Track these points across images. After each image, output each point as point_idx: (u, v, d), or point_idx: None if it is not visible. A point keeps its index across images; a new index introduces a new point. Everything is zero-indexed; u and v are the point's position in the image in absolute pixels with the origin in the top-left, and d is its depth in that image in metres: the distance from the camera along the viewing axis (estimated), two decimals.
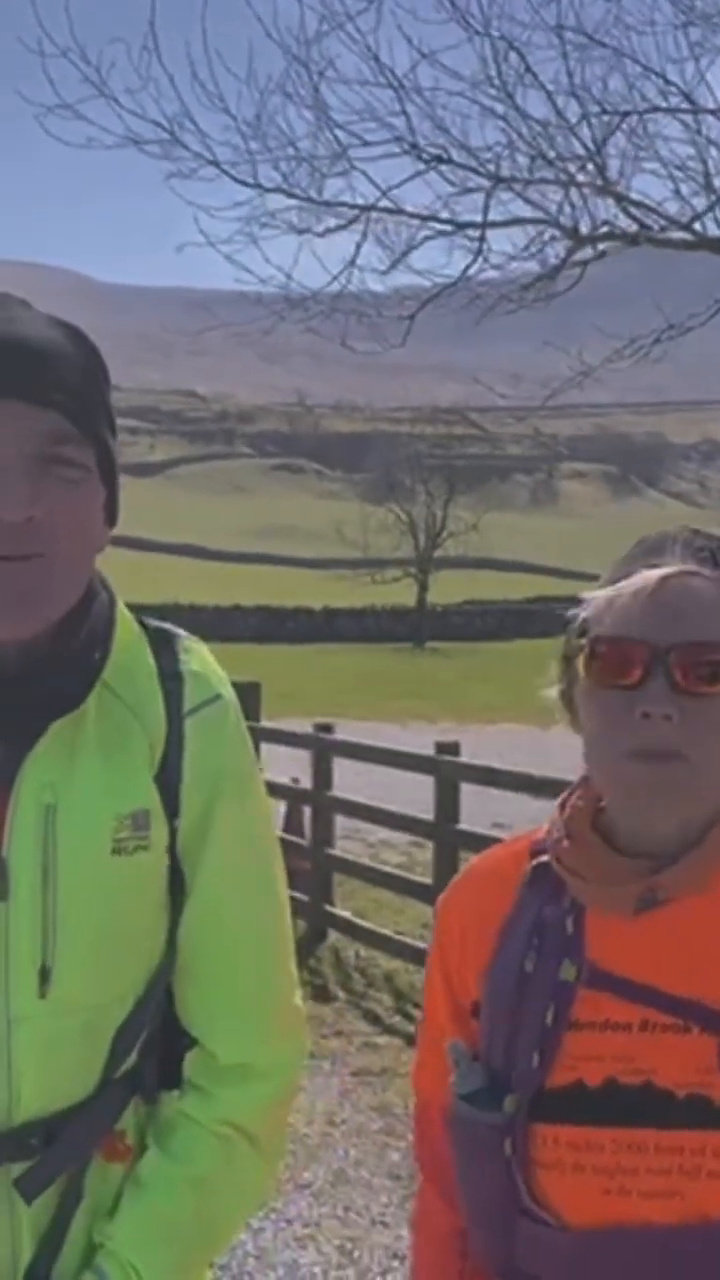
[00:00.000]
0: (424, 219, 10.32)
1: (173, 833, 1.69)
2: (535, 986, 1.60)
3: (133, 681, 1.70)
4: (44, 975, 1.60)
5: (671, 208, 10.15)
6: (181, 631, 1.79)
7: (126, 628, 1.73)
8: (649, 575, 1.55)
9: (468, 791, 8.85)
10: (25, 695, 1.61)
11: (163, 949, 1.72)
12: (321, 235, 10.47)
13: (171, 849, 1.70)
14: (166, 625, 1.79)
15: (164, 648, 1.75)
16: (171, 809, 1.69)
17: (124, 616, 1.74)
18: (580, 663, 1.58)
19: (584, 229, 10.05)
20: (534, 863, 1.67)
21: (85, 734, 1.65)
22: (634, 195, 10.08)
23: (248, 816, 1.76)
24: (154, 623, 1.79)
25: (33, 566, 1.56)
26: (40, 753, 1.62)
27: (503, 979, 1.63)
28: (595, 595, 1.59)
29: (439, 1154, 1.71)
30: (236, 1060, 1.73)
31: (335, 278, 10.48)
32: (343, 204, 10.39)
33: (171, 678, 1.72)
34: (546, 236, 10.29)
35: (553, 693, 1.66)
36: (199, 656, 1.77)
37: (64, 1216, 1.64)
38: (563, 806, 1.67)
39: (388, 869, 10.79)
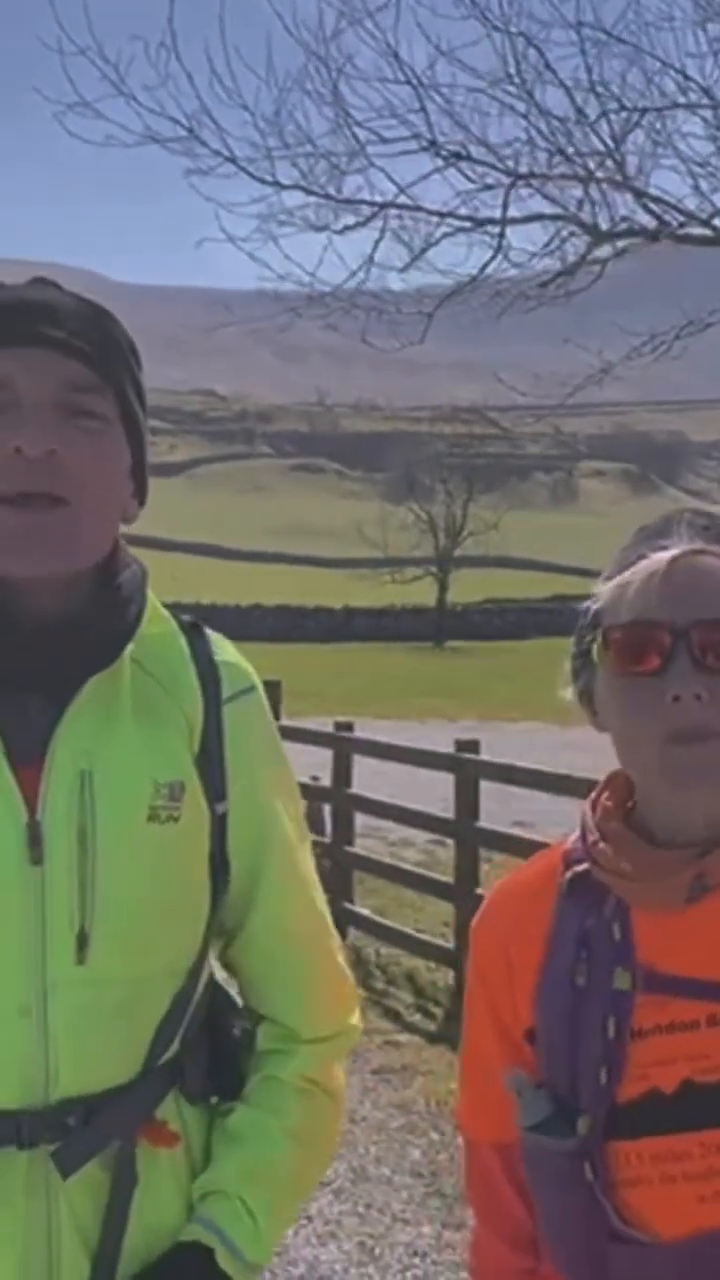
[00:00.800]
0: (443, 216, 10.32)
1: (219, 819, 1.71)
2: (591, 1000, 1.55)
3: (165, 664, 1.72)
4: (81, 941, 1.59)
5: (691, 203, 10.14)
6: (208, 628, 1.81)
7: (157, 613, 1.74)
8: (659, 558, 1.52)
9: (488, 789, 8.84)
10: (59, 648, 1.62)
11: (202, 936, 1.72)
12: (340, 232, 10.48)
13: (218, 835, 1.71)
14: (198, 620, 1.81)
15: (196, 637, 1.77)
16: (216, 792, 1.71)
17: (154, 601, 1.75)
18: (598, 655, 1.54)
19: (603, 225, 10.03)
20: (570, 873, 1.61)
21: (120, 703, 1.66)
22: (653, 191, 10.05)
23: (294, 806, 1.81)
24: (188, 617, 1.81)
25: (54, 513, 1.59)
26: (74, 714, 1.62)
27: (556, 998, 1.58)
28: (604, 587, 1.56)
29: (496, 1194, 1.68)
30: (315, 1034, 1.78)
31: (353, 274, 10.47)
32: (361, 201, 10.40)
33: (207, 664, 1.74)
34: (566, 233, 10.27)
35: (568, 693, 1.62)
36: (229, 649, 1.79)
37: (121, 1201, 1.63)
38: (593, 808, 1.62)
39: (408, 867, 10.78)
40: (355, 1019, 1.85)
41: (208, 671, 1.74)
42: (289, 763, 1.85)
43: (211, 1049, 1.75)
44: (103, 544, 1.67)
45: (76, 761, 1.62)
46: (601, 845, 1.57)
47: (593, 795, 1.64)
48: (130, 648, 1.69)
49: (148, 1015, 1.66)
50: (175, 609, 1.79)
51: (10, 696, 1.62)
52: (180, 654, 1.74)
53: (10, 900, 1.58)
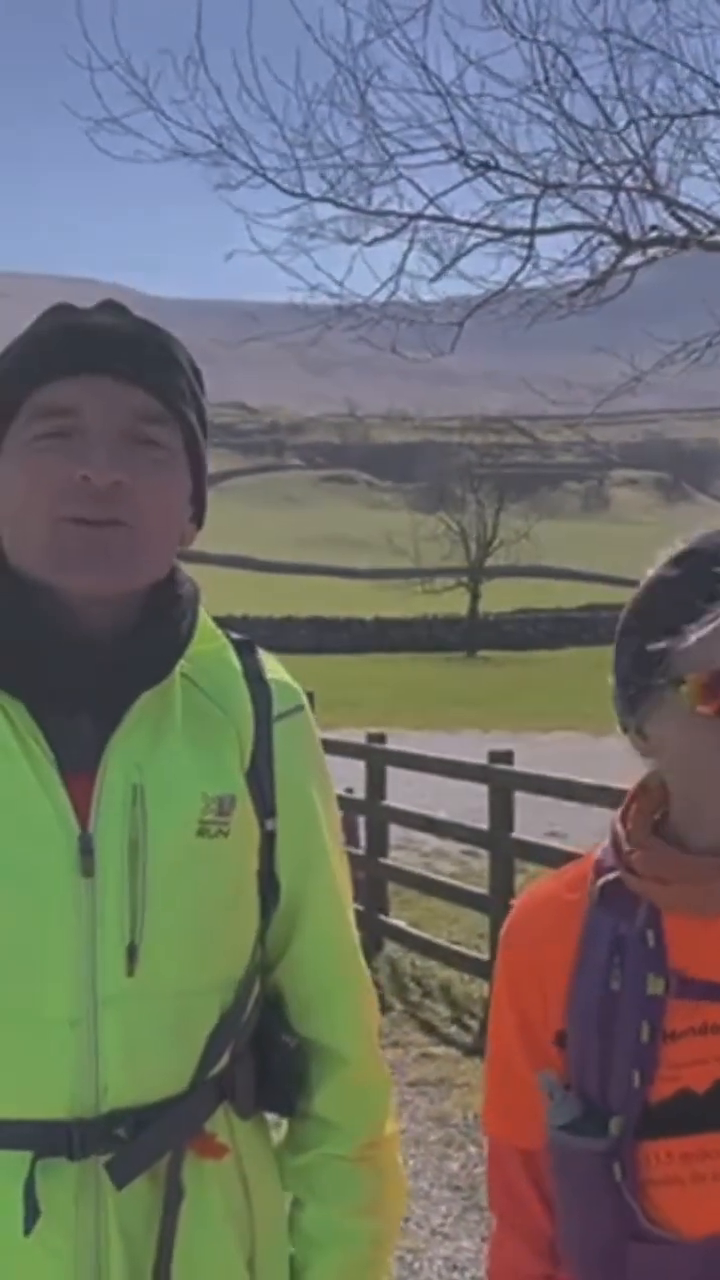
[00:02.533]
0: (472, 226, 10.28)
1: (268, 835, 1.73)
2: (624, 1004, 1.58)
3: (218, 680, 1.74)
4: (132, 953, 1.61)
5: None
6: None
7: (209, 630, 1.77)
8: None
9: (521, 800, 8.81)
10: (112, 664, 1.64)
11: (250, 950, 1.74)
12: (369, 244, 10.46)
13: (267, 852, 1.73)
14: (250, 639, 1.83)
15: (247, 654, 1.79)
16: (265, 809, 1.72)
17: (205, 619, 1.77)
18: (684, 695, 1.54)
19: (633, 234, 9.99)
20: (601, 881, 1.64)
21: (171, 718, 1.68)
22: (683, 199, 10.01)
23: (336, 825, 1.84)
24: (239, 635, 1.83)
25: (117, 533, 1.62)
26: (127, 729, 1.64)
27: (589, 1002, 1.60)
28: (688, 631, 1.55)
29: (519, 1199, 1.70)
30: (358, 1054, 1.80)
31: (383, 285, 10.47)
32: (390, 212, 10.36)
33: (258, 681, 1.76)
34: (595, 242, 10.24)
35: (620, 721, 1.64)
36: (279, 667, 1.81)
37: (171, 1213, 1.64)
38: (623, 819, 1.65)
39: (442, 878, 10.76)
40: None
41: (259, 689, 1.76)
42: (332, 782, 1.87)
43: (261, 1063, 1.76)
44: (160, 566, 1.70)
45: (128, 775, 1.63)
46: (638, 854, 1.60)
47: (622, 806, 1.67)
48: (182, 664, 1.71)
49: (198, 1028, 1.66)
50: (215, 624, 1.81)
51: (63, 712, 1.64)
52: (233, 671, 1.76)
53: (62, 912, 1.60)
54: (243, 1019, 1.72)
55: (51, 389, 1.64)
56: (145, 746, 1.65)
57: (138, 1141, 1.61)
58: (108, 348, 1.65)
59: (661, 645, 1.57)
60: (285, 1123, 1.83)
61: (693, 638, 1.55)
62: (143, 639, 1.67)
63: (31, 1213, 1.57)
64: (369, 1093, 1.82)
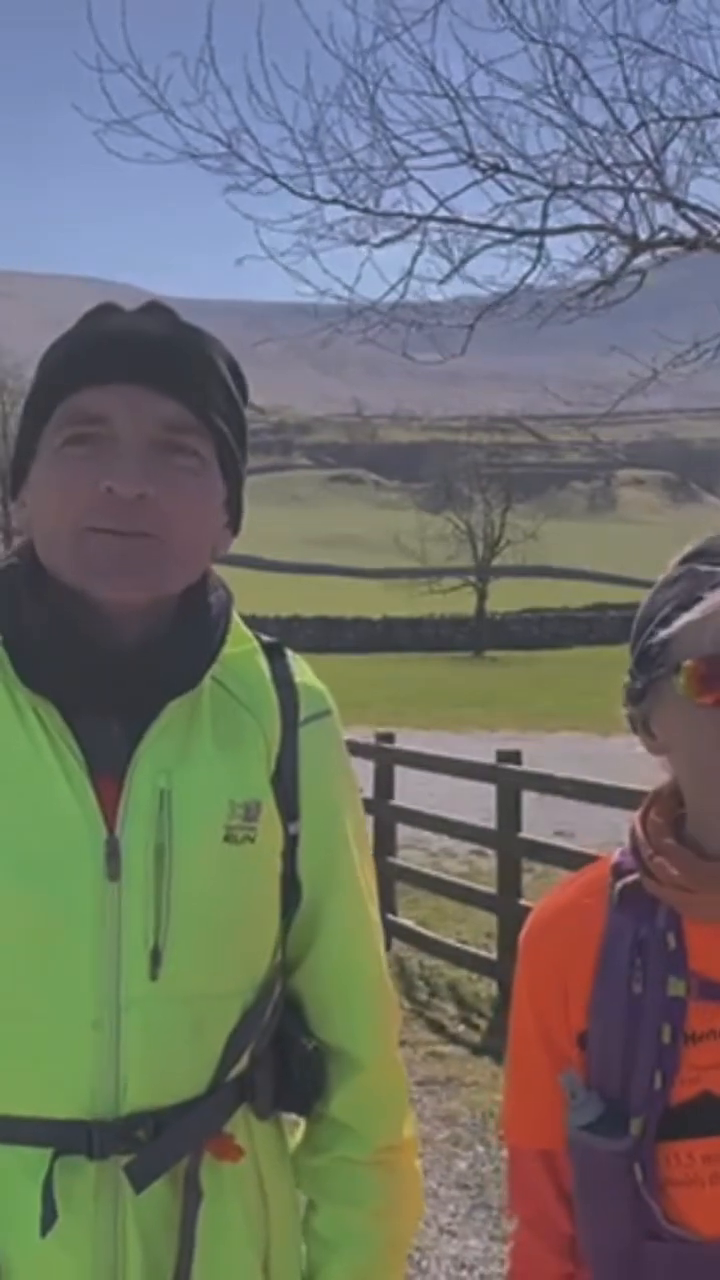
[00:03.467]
0: (482, 228, 10.30)
1: (291, 839, 1.73)
2: (646, 1006, 1.59)
3: (246, 683, 1.74)
4: (155, 958, 1.62)
5: None
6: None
7: (239, 632, 1.77)
8: None
9: (529, 799, 8.82)
10: (143, 672, 1.65)
11: (272, 953, 1.74)
12: (379, 246, 10.47)
13: (290, 855, 1.73)
14: (280, 642, 1.83)
15: (277, 657, 1.79)
16: (289, 813, 1.73)
17: (236, 621, 1.77)
18: (676, 685, 1.57)
19: (642, 235, 10.00)
20: (621, 884, 1.66)
21: (200, 723, 1.69)
22: (692, 200, 10.02)
23: (361, 830, 1.83)
24: (270, 639, 1.82)
25: (142, 544, 1.61)
26: (155, 735, 1.65)
27: (611, 1004, 1.62)
28: (682, 619, 1.58)
29: (540, 1200, 1.71)
30: (382, 1080, 1.80)
31: (393, 288, 10.48)
32: (400, 214, 10.37)
33: (285, 685, 1.76)
34: (605, 243, 10.25)
35: (625, 713, 1.67)
36: (307, 671, 1.81)
37: (190, 1215, 1.65)
38: (643, 823, 1.66)
39: (450, 878, 10.78)
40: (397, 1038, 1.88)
41: (287, 693, 1.76)
42: (357, 786, 1.87)
43: (280, 1065, 1.76)
44: (190, 574, 1.69)
45: (156, 780, 1.64)
46: (658, 859, 1.61)
47: (640, 811, 1.68)
48: (213, 668, 1.72)
49: (219, 1031, 1.67)
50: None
51: (94, 716, 1.65)
52: (261, 674, 1.76)
53: (87, 914, 1.61)
54: (263, 1021, 1.72)
55: (82, 397, 1.64)
56: (174, 751, 1.66)
57: (157, 1144, 1.62)
58: (140, 356, 1.64)
59: (658, 636, 1.60)
60: (302, 1123, 1.84)
61: (681, 620, 1.58)
62: (174, 647, 1.68)
63: (50, 1210, 1.58)
64: (385, 1098, 1.82)
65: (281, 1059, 1.76)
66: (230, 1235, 1.69)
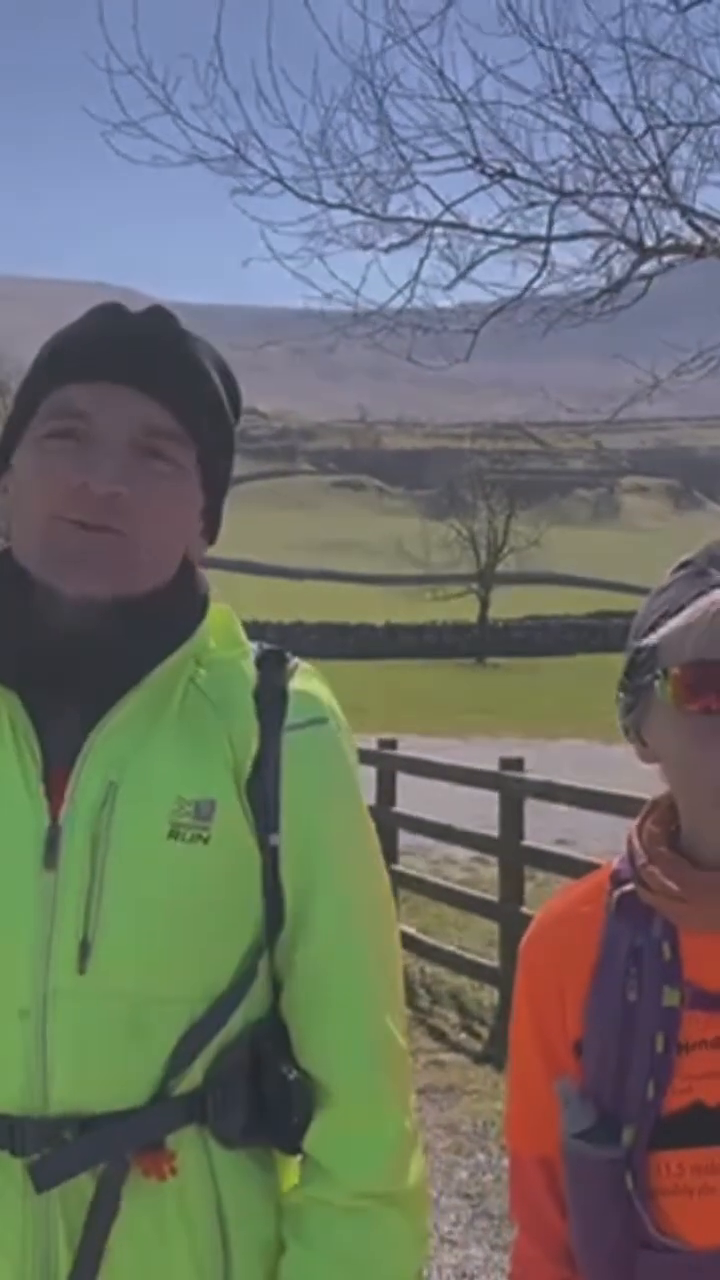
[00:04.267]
0: (488, 233, 10.29)
1: (272, 850, 1.68)
2: (640, 1015, 1.59)
3: (225, 689, 1.71)
4: (84, 949, 1.59)
5: None
6: (298, 659, 1.79)
7: (233, 637, 1.75)
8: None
9: (532, 807, 8.81)
10: (97, 659, 1.64)
11: (236, 965, 1.67)
12: (386, 251, 10.46)
13: (271, 868, 1.68)
14: (284, 650, 1.79)
15: (274, 666, 1.75)
16: (267, 824, 1.67)
17: (227, 628, 1.76)
18: (661, 692, 1.58)
19: (649, 242, 9.99)
20: (619, 892, 1.66)
21: (165, 720, 1.67)
22: (699, 207, 10.01)
23: (364, 850, 1.76)
24: (271, 646, 1.79)
25: (110, 541, 1.62)
26: (112, 728, 1.64)
27: (606, 1012, 1.62)
28: (666, 625, 1.59)
29: (538, 1207, 1.71)
30: (358, 1116, 1.68)
31: (399, 292, 10.47)
32: (407, 219, 10.37)
33: (272, 692, 1.72)
34: (611, 250, 10.24)
35: (620, 723, 1.67)
36: (310, 679, 1.76)
37: (98, 1229, 1.58)
38: (639, 832, 1.67)
39: (452, 885, 10.76)
40: (410, 1096, 1.74)
41: (272, 699, 1.71)
42: (362, 802, 1.80)
43: (259, 1094, 1.68)
44: (156, 577, 1.68)
45: (106, 772, 1.63)
46: (650, 868, 1.62)
47: (637, 820, 1.69)
48: (197, 671, 1.70)
49: (160, 1039, 1.61)
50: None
51: (54, 706, 1.65)
52: (242, 678, 1.73)
53: (22, 902, 1.60)
54: (219, 1037, 1.65)
55: (68, 391, 1.66)
56: (130, 745, 1.64)
57: (72, 1146, 1.58)
58: (130, 357, 1.66)
59: (645, 644, 1.61)
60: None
61: (666, 627, 1.59)
62: (131, 637, 1.65)
63: None
64: (364, 1136, 1.68)
65: (261, 1087, 1.68)
66: (157, 1261, 1.62)
